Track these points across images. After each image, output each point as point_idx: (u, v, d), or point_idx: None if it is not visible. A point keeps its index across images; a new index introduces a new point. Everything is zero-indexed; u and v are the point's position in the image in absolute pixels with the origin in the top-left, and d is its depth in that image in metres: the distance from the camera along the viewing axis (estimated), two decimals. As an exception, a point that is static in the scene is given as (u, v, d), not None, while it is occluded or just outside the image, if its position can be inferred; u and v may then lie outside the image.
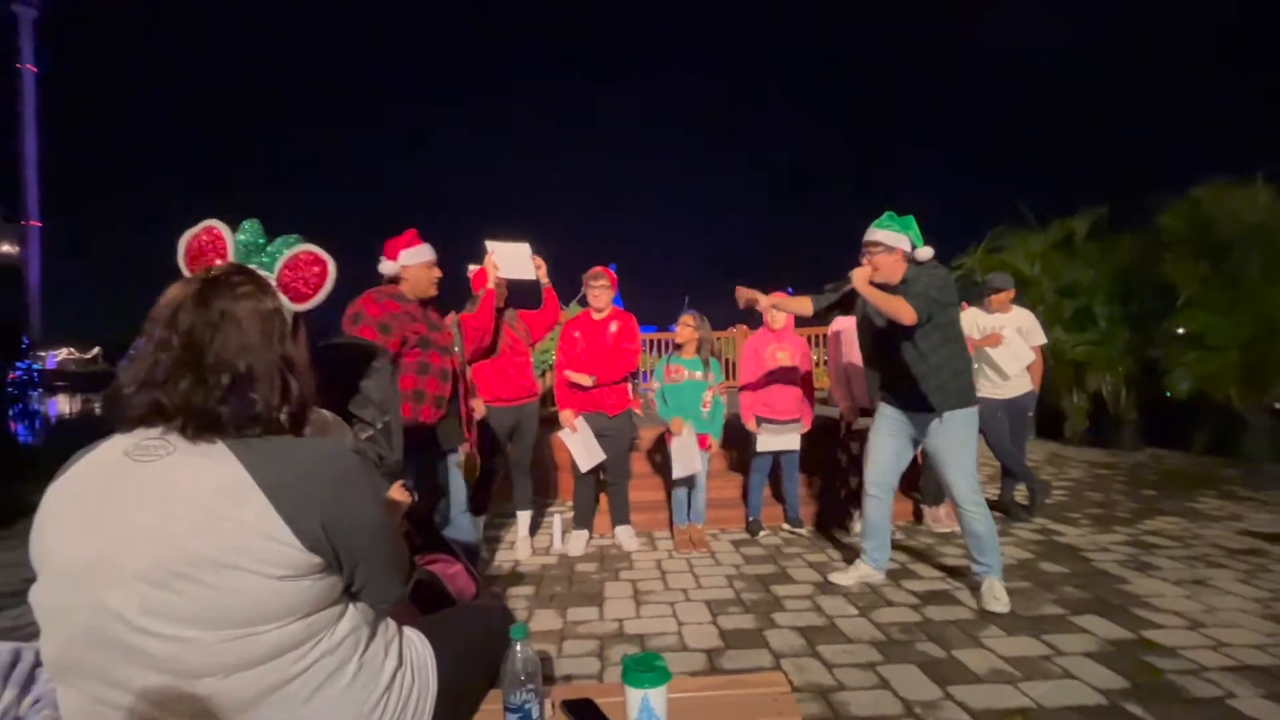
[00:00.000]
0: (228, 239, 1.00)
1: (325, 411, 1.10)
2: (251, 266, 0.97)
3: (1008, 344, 4.09)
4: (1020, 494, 4.30)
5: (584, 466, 3.64)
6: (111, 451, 0.88)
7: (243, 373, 0.88)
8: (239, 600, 0.83)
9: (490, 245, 3.30)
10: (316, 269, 0.99)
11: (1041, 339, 4.30)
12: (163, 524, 0.82)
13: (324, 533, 0.88)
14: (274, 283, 0.96)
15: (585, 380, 3.58)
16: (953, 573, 3.18)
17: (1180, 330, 6.40)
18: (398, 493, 1.29)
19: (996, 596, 2.73)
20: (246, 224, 1.01)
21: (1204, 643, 2.38)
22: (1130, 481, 5.24)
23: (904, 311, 2.62)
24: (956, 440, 2.81)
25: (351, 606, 0.98)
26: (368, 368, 1.53)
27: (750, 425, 3.80)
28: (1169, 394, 6.51)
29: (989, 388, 4.11)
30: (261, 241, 1.00)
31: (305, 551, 0.87)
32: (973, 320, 4.13)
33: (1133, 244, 7.02)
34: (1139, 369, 6.84)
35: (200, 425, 0.87)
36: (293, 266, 0.98)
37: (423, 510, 1.84)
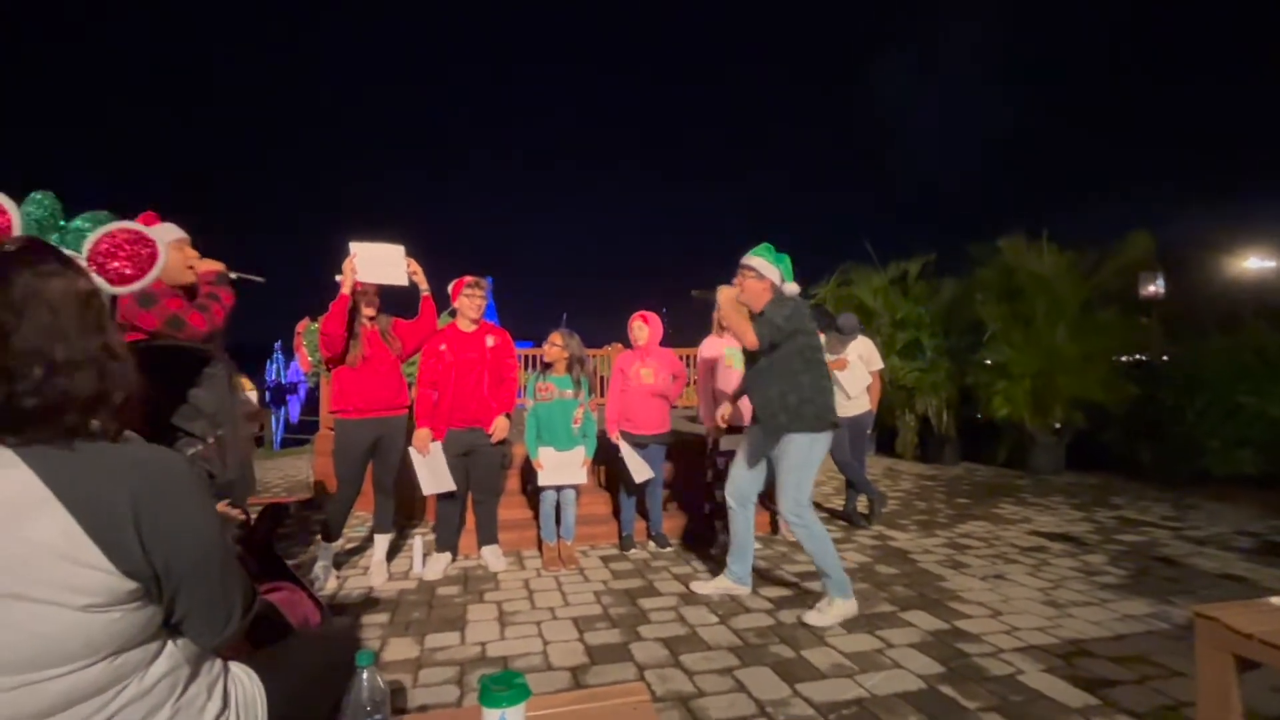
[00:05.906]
0: (13, 214, 0.84)
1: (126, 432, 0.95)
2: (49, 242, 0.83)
3: (851, 368, 4.57)
4: (862, 504, 4.76)
5: (426, 490, 3.49)
6: None
7: (60, 362, 0.74)
8: (21, 639, 0.70)
9: (354, 246, 3.12)
10: (145, 250, 0.86)
11: (879, 364, 4.82)
12: None
13: (143, 553, 0.76)
14: (83, 262, 0.83)
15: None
16: (804, 577, 3.43)
17: (987, 361, 7.48)
18: (222, 508, 1.16)
19: (822, 610, 2.82)
20: (38, 195, 0.85)
21: (1001, 628, 2.77)
22: (949, 492, 5.98)
23: (748, 335, 2.83)
24: (791, 461, 2.88)
25: (170, 643, 0.86)
26: (198, 375, 1.36)
27: (613, 437, 3.86)
28: (979, 415, 7.56)
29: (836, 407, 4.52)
30: (57, 218, 0.85)
31: (119, 576, 0.75)
32: (822, 347, 4.54)
33: (954, 286, 8.14)
34: (958, 394, 7.88)
35: None
36: (112, 246, 0.84)
37: (261, 534, 1.67)
